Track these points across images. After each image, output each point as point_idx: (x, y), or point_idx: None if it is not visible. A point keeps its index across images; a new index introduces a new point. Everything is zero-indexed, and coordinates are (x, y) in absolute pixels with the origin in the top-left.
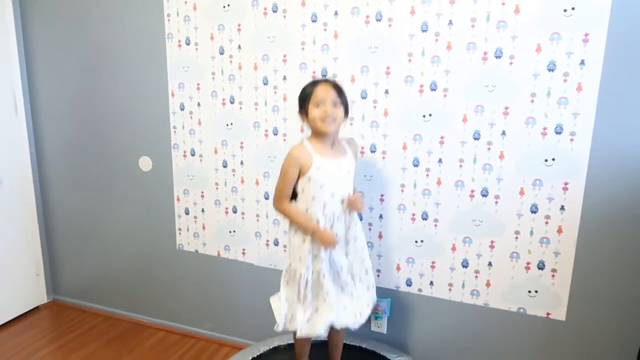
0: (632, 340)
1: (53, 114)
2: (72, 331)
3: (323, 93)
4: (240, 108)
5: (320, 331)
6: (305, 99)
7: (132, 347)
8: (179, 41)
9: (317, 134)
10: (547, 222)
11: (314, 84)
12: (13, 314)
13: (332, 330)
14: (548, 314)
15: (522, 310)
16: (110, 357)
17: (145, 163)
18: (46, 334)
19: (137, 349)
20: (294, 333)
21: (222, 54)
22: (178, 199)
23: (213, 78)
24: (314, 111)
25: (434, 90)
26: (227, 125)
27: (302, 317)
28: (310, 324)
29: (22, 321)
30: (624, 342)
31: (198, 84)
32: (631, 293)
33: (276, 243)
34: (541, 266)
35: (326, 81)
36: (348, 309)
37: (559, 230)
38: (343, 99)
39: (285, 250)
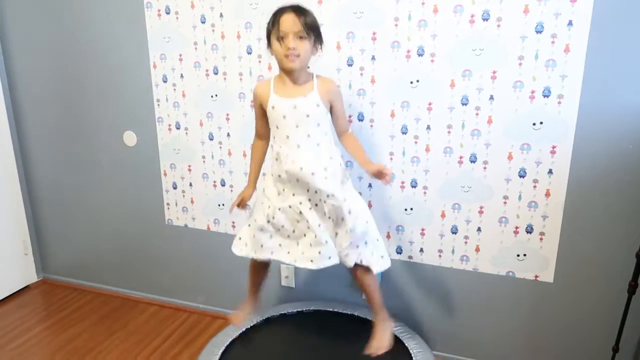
0: (618, 302)
1: (32, 91)
2: (63, 309)
3: (286, 25)
4: (225, 79)
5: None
6: (269, 32)
7: (125, 323)
8: (159, 10)
9: (282, 70)
10: (535, 186)
11: (277, 13)
12: (3, 294)
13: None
14: (536, 276)
15: (510, 273)
16: (103, 333)
17: (129, 138)
18: (37, 313)
19: (130, 325)
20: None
21: (203, 22)
22: (165, 174)
23: (195, 48)
24: (276, 46)
25: (421, 55)
26: (212, 96)
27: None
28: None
29: (12, 301)
30: (611, 303)
31: (180, 55)
32: (618, 254)
33: None
34: (529, 230)
35: (291, 9)
36: (305, 252)
37: (547, 194)
38: (311, 27)
39: None
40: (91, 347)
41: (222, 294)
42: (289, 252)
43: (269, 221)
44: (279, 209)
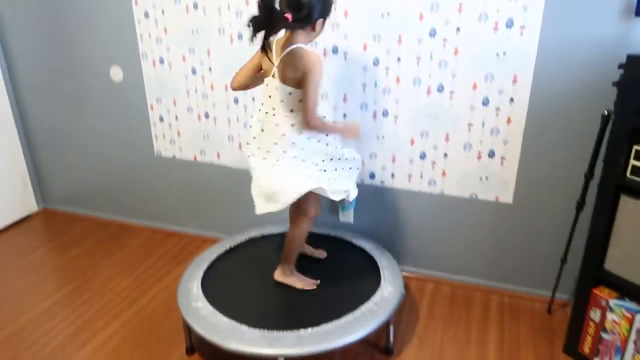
0: (568, 218)
1: (19, 30)
2: (64, 234)
3: None
4: (204, 14)
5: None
6: None
7: (121, 246)
8: None
9: None
10: (497, 114)
11: None
12: (5, 223)
13: None
14: (497, 197)
15: (474, 195)
16: (102, 254)
17: (116, 73)
18: (40, 237)
19: (126, 247)
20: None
21: None
22: (152, 108)
23: None
24: None
25: None
26: (193, 32)
27: None
28: None
29: (15, 228)
30: (562, 220)
31: None
32: (570, 175)
33: None
34: (491, 154)
35: None
36: None
37: (508, 121)
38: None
39: None
40: (91, 265)
41: (210, 219)
42: None
43: None
44: None
